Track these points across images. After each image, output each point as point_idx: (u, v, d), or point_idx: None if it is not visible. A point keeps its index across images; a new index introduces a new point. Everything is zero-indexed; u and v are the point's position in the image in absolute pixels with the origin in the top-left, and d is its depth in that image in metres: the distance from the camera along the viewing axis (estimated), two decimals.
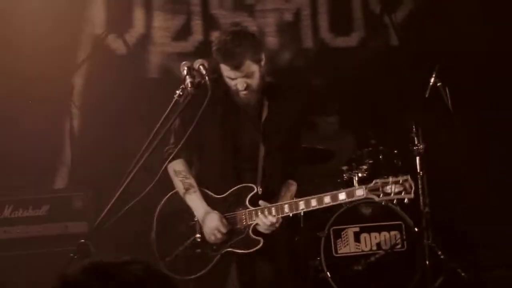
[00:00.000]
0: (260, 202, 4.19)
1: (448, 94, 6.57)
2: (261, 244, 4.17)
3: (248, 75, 4.10)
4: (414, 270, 6.22)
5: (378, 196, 4.01)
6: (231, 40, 4.08)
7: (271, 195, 4.25)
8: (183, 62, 4.13)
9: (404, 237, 6.29)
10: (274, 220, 4.12)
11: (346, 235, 6.25)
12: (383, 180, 4.00)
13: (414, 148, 6.53)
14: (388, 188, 3.99)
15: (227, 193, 4.26)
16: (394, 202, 4.10)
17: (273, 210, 4.15)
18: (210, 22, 7.62)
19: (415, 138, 6.54)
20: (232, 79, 4.12)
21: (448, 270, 6.46)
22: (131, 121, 7.12)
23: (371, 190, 4.01)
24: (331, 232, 6.21)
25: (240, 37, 4.14)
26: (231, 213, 4.25)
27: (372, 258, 6.20)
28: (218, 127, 4.19)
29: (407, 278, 6.20)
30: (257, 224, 4.18)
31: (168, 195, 4.40)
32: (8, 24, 7.05)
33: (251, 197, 4.22)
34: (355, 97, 7.38)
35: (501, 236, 6.98)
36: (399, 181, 4.00)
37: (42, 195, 6.26)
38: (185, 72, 4.09)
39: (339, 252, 6.22)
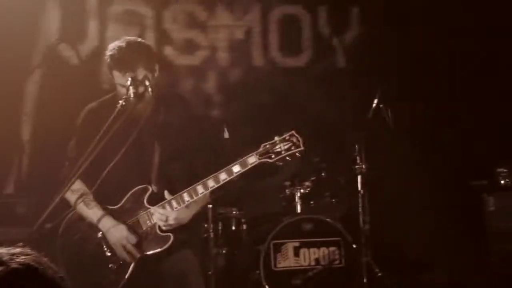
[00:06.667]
0: (165, 193, 4.19)
1: (390, 115, 6.77)
2: (172, 239, 4.18)
3: (141, 83, 4.11)
4: (351, 286, 6.36)
5: (271, 158, 4.08)
6: (125, 47, 4.18)
7: (172, 194, 4.23)
8: (127, 73, 4.21)
9: (343, 253, 6.42)
10: (169, 214, 4.15)
11: (286, 249, 6.35)
12: (270, 142, 4.09)
13: (356, 167, 6.72)
14: (277, 148, 4.08)
15: (123, 200, 4.25)
16: (288, 159, 4.10)
17: (174, 202, 4.17)
18: (162, 36, 7.71)
19: (357, 158, 6.73)
20: (124, 86, 4.11)
21: (384, 287, 6.61)
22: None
23: (262, 155, 4.08)
24: (271, 246, 6.30)
25: (135, 45, 4.25)
26: (133, 218, 4.24)
27: (310, 273, 6.32)
28: (114, 140, 3.99)
29: None
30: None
31: (65, 221, 4.27)
32: None
33: (148, 197, 4.23)
34: (301, 116, 7.52)
35: (437, 255, 7.16)
36: (286, 137, 4.09)
37: None
38: (128, 82, 4.17)
39: (278, 266, 6.31)
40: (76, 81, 7.43)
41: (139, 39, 4.45)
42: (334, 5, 8.06)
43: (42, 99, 7.46)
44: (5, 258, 1.75)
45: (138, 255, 4.21)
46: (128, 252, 4.20)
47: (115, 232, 4.20)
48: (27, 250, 1.81)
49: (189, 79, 7.82)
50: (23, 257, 1.77)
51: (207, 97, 7.83)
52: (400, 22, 7.80)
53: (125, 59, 4.15)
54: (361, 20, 8.06)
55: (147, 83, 4.13)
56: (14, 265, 1.74)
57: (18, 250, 1.80)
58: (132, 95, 4.08)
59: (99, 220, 4.24)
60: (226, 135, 5.86)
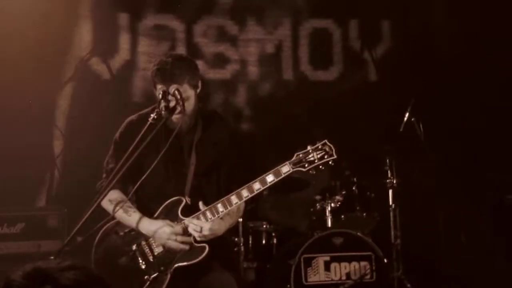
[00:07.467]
0: (200, 204, 4.19)
1: (422, 128, 6.72)
2: (207, 250, 4.16)
3: (184, 99, 4.18)
4: None
5: (304, 167, 4.10)
6: (171, 62, 4.22)
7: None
8: (159, 86, 4.25)
9: (374, 268, 6.36)
10: (203, 225, 4.15)
11: (316, 263, 6.31)
12: (303, 151, 4.12)
13: (387, 181, 6.68)
14: (310, 157, 4.11)
15: (157, 212, 4.27)
16: (321, 167, 4.14)
17: (208, 213, 4.17)
18: (193, 50, 7.73)
19: (389, 172, 6.69)
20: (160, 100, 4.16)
21: None
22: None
23: (296, 164, 4.10)
24: (302, 260, 6.26)
25: (180, 60, 4.29)
26: None
27: None
28: (152, 152, 4.12)
29: None
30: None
31: (100, 232, 4.31)
32: None
33: (182, 209, 4.23)
34: (331, 130, 7.49)
35: (470, 270, 7.07)
36: (318, 146, 4.12)
37: (17, 213, 6.29)
38: (160, 96, 4.21)
39: (309, 280, 6.25)
40: (107, 95, 7.49)
41: (185, 55, 4.49)
42: (365, 19, 8.04)
43: (74, 112, 7.52)
44: (55, 273, 1.71)
45: (191, 240, 4.18)
46: (182, 242, 4.18)
47: (162, 234, 4.19)
48: (78, 264, 1.77)
49: (219, 93, 7.85)
50: (73, 271, 1.73)
51: (238, 111, 7.84)
52: (432, 34, 7.76)
53: (171, 74, 4.18)
54: (392, 33, 8.03)
55: (178, 96, 4.16)
56: (63, 281, 1.70)
57: (68, 263, 1.76)
58: (163, 109, 4.13)
59: (138, 222, 4.24)
60: None
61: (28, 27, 7.16)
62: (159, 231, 4.20)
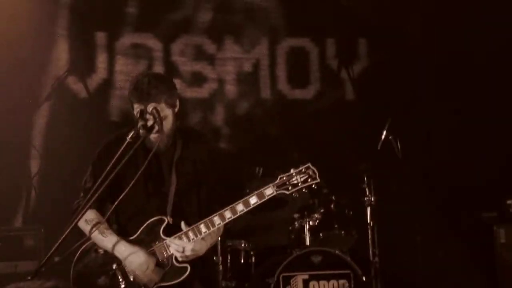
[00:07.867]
0: (182, 224, 4.18)
1: (399, 146, 6.76)
2: (188, 270, 4.16)
3: (162, 118, 4.16)
4: None
5: (287, 189, 4.13)
6: (148, 82, 4.18)
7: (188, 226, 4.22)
8: (136, 105, 4.23)
9: (353, 286, 6.35)
10: (186, 245, 4.13)
11: (295, 282, 6.29)
12: (287, 174, 4.14)
13: (365, 199, 6.70)
14: (294, 180, 4.13)
15: (138, 232, 4.24)
16: (304, 190, 4.20)
17: (191, 233, 4.16)
18: (171, 69, 7.73)
19: (366, 190, 6.71)
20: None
21: None
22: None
23: (279, 186, 4.12)
24: (281, 279, 6.24)
25: (157, 79, 4.26)
26: (149, 250, 4.21)
27: None
28: (131, 172, 4.08)
29: None
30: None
31: (79, 251, 4.26)
32: None
33: (164, 228, 4.20)
34: (309, 148, 7.50)
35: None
36: (302, 170, 4.15)
37: None
38: (138, 114, 4.19)
39: None
40: (85, 114, 7.45)
41: (162, 73, 4.46)
42: (342, 38, 8.10)
43: (51, 131, 7.48)
44: None
45: (158, 279, 4.17)
46: (147, 276, 4.16)
47: (135, 259, 4.16)
48: (59, 284, 1.77)
49: (197, 112, 7.84)
50: None
51: (216, 130, 7.84)
52: (408, 53, 7.83)
53: (147, 93, 4.16)
54: (369, 52, 8.09)
55: (156, 115, 4.14)
56: None
57: (50, 284, 1.76)
58: (141, 128, 4.10)
59: (114, 245, 4.20)
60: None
61: (4, 45, 7.13)
62: (131, 257, 4.17)
